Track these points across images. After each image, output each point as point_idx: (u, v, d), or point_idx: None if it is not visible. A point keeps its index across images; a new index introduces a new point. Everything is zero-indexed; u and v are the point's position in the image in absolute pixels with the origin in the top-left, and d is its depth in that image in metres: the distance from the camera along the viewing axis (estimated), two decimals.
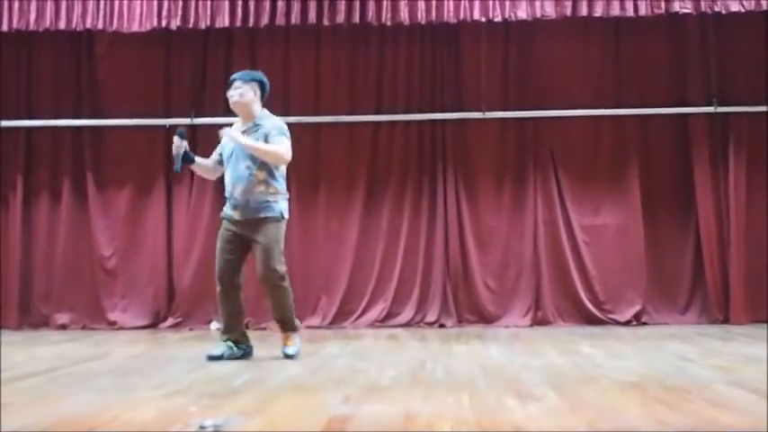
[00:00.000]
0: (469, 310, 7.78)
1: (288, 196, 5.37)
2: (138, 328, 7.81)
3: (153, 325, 7.87)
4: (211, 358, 5.11)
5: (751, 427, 3.00)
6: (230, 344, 5.24)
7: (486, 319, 7.73)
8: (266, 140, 5.18)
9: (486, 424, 3.11)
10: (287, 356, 5.23)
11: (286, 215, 5.29)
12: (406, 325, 7.69)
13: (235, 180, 5.20)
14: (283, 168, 5.30)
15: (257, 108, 5.34)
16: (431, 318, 7.75)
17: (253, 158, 5.16)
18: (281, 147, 5.17)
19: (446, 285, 7.83)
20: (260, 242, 5.14)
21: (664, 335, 6.69)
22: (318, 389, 4.02)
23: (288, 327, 5.34)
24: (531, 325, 7.66)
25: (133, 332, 7.64)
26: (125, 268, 8.04)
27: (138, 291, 8.00)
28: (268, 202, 5.18)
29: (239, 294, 5.30)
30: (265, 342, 6.04)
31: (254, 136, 5.21)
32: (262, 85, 5.38)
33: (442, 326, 7.66)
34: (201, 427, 2.93)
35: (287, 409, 3.47)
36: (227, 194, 5.29)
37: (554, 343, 6.14)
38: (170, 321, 7.86)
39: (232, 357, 5.18)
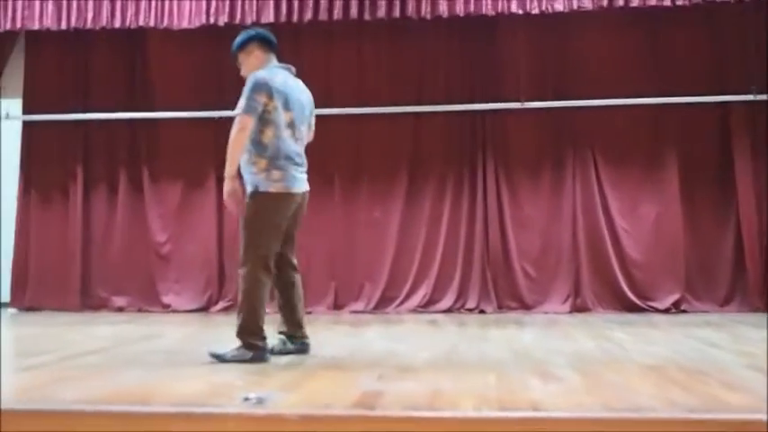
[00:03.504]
0: (509, 296, 7.97)
1: (280, 164, 4.53)
2: (190, 312, 8.16)
3: (205, 308, 8.21)
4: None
5: (758, 409, 3.17)
6: (283, 338, 4.82)
7: (525, 305, 7.91)
8: None
9: (506, 402, 3.33)
10: (212, 355, 4.47)
11: (269, 188, 4.49)
12: (447, 311, 7.90)
13: None
14: (272, 131, 4.52)
15: (264, 66, 4.76)
16: (471, 304, 7.96)
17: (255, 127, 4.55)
18: (233, 136, 4.47)
19: (486, 272, 8.02)
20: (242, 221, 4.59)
21: (699, 322, 6.80)
22: (354, 368, 4.28)
23: (239, 333, 4.48)
24: (571, 312, 7.81)
25: (185, 315, 7.99)
26: (178, 254, 8.39)
27: (190, 276, 8.35)
28: (249, 174, 4.56)
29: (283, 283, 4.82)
30: (311, 325, 6.29)
31: None
32: (260, 40, 4.81)
33: (482, 312, 7.86)
34: (246, 399, 3.20)
35: (322, 385, 3.74)
36: None
37: (589, 329, 6.31)
38: (221, 305, 8.20)
39: (283, 352, 4.71)
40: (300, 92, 4.80)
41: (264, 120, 4.51)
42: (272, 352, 4.62)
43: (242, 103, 4.51)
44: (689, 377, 3.89)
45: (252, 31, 4.92)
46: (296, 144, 4.64)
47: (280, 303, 4.86)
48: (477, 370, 4.21)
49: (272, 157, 4.49)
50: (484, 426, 2.94)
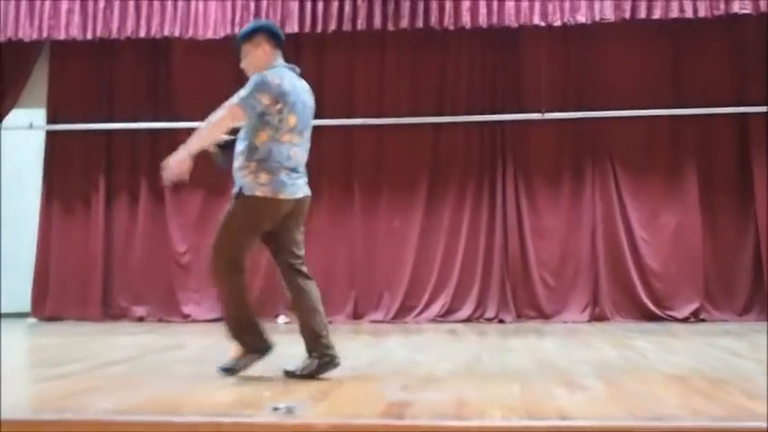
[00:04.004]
0: (528, 305, 7.99)
1: (269, 168, 4.25)
2: (210, 321, 8.21)
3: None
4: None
5: None
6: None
7: (544, 314, 7.93)
8: None
9: (533, 411, 3.35)
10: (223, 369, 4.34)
11: (255, 192, 4.22)
12: (466, 320, 7.93)
13: None
14: (268, 134, 4.26)
15: (271, 63, 4.43)
16: (490, 313, 7.98)
17: (247, 127, 4.35)
18: (216, 112, 4.28)
19: (505, 282, 8.05)
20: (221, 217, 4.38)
21: (719, 331, 6.80)
22: (378, 378, 4.32)
23: (233, 336, 4.37)
24: (589, 321, 7.83)
25: (205, 324, 8.04)
26: (198, 264, 8.42)
27: (210, 285, 8.39)
28: (239, 178, 4.31)
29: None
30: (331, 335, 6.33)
31: None
32: (270, 33, 4.49)
33: (501, 321, 7.88)
34: (275, 409, 3.24)
35: (349, 395, 3.77)
36: None
37: (609, 338, 6.33)
38: None
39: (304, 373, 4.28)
40: (306, 94, 4.49)
41: (264, 122, 4.25)
42: (295, 374, 4.26)
43: (241, 93, 4.25)
44: (712, 386, 3.91)
45: (262, 22, 4.74)
46: (294, 149, 4.33)
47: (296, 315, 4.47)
48: (501, 379, 4.23)
49: (261, 160, 4.23)
50: None
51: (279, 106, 4.24)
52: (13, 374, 4.78)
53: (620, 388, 3.90)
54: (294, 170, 4.33)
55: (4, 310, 8.49)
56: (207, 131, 4.28)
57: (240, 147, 4.30)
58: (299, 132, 4.35)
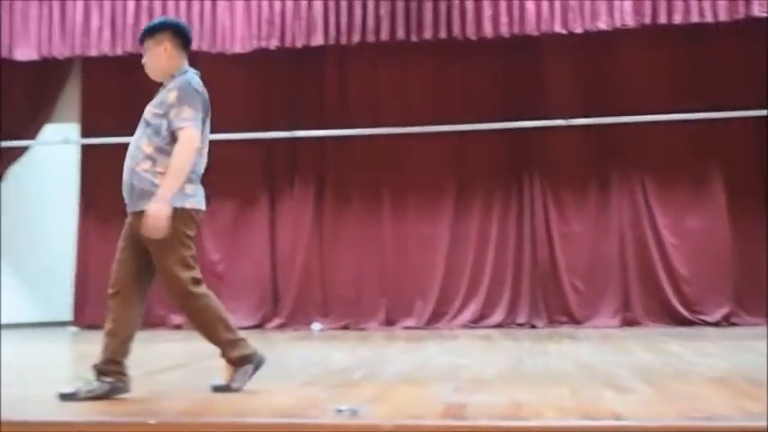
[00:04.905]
0: (559, 311, 8.10)
1: (194, 177, 4.04)
2: (245, 329, 8.32)
3: (259, 325, 8.40)
4: (64, 397, 3.90)
5: None
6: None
7: (575, 320, 8.03)
8: (167, 111, 3.99)
9: (587, 412, 3.47)
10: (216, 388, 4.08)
11: (186, 204, 3.96)
12: (498, 326, 8.04)
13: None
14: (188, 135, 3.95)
15: (177, 65, 4.15)
16: (521, 319, 8.09)
17: (147, 123, 4.04)
18: (180, 146, 3.92)
19: (535, 287, 8.16)
20: (151, 243, 3.91)
21: (751, 335, 6.87)
22: (428, 382, 4.44)
23: (224, 352, 4.11)
24: (621, 326, 7.92)
25: (242, 332, 8.14)
26: (232, 273, 8.60)
27: (244, 293, 8.54)
28: (155, 186, 3.91)
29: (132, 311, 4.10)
30: (366, 342, 6.47)
31: (157, 99, 4.10)
32: (177, 31, 4.18)
33: (532, 327, 7.99)
34: (339, 411, 3.36)
35: (407, 398, 3.90)
36: None
37: (643, 342, 6.43)
38: (275, 322, 8.39)
39: (90, 395, 3.91)
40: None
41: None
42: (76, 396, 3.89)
43: (187, 113, 3.94)
44: (756, 387, 4.00)
45: (169, 19, 4.43)
46: (203, 159, 4.13)
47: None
48: (549, 382, 4.35)
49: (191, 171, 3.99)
50: None
51: (204, 117, 4.05)
52: (75, 381, 4.97)
53: (666, 390, 4.01)
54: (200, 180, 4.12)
55: (45, 319, 8.71)
56: (179, 174, 3.89)
57: (148, 148, 3.98)
58: (206, 141, 4.14)
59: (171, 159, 3.91)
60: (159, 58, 4.11)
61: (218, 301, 4.16)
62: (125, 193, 4.04)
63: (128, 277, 4.02)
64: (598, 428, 3.08)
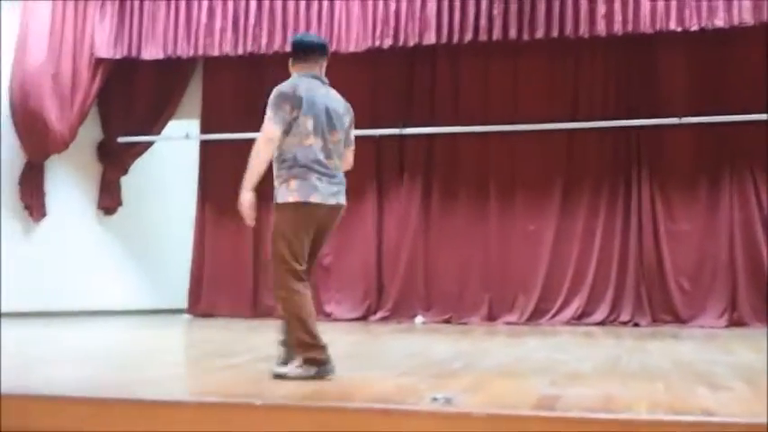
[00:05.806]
0: (664, 310, 8.04)
1: (298, 173, 4.16)
2: (350, 320, 8.62)
3: (363, 317, 8.66)
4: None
5: None
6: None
7: (680, 319, 7.96)
8: None
9: (678, 407, 3.53)
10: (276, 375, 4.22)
11: (289, 198, 4.16)
12: (601, 324, 8.04)
13: None
14: (291, 140, 4.19)
15: (292, 76, 4.40)
16: (625, 317, 8.07)
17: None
18: (256, 146, 4.20)
19: (640, 285, 8.13)
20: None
21: None
22: (525, 374, 4.56)
23: (296, 350, 4.23)
24: (727, 326, 7.81)
25: (347, 323, 8.44)
26: (339, 266, 8.87)
27: (350, 286, 8.82)
28: (274, 187, 4.27)
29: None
30: (467, 336, 6.61)
31: None
32: (292, 48, 4.51)
33: (636, 325, 7.96)
34: (434, 399, 3.53)
35: (502, 389, 4.03)
36: None
37: (749, 342, 6.34)
38: (379, 314, 8.63)
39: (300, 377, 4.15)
40: (332, 101, 4.37)
41: (286, 130, 4.21)
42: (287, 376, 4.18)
43: (268, 113, 4.19)
44: None
45: (294, 37, 4.69)
46: (324, 153, 4.25)
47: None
48: (643, 378, 4.40)
49: (290, 167, 4.18)
50: (659, 427, 3.15)
51: (296, 112, 4.19)
52: (194, 364, 5.38)
53: (765, 389, 4.00)
54: (327, 175, 4.25)
55: (161, 306, 9.21)
56: (253, 163, 4.14)
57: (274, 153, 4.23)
58: (321, 135, 4.24)
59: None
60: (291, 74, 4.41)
61: (310, 303, 4.30)
62: None
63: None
64: (685, 423, 3.14)
